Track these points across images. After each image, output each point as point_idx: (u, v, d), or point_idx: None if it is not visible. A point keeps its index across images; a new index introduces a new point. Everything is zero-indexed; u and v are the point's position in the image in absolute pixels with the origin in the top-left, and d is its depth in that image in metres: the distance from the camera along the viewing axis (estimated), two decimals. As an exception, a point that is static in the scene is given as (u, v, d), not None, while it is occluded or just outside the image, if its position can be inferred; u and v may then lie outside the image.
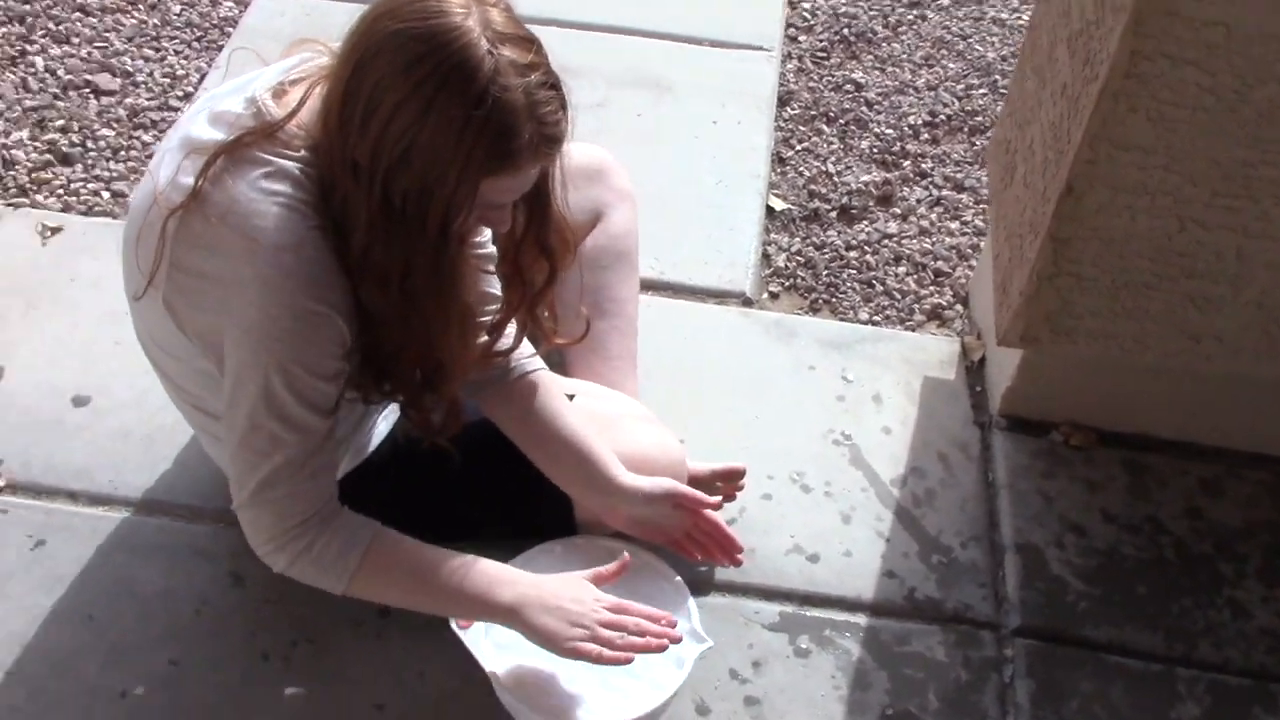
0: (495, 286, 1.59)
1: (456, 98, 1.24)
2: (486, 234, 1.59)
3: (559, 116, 1.32)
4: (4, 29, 2.72)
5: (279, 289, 1.33)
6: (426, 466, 1.64)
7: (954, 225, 2.46)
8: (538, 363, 1.69)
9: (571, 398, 1.72)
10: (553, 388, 1.68)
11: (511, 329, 1.60)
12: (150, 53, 2.72)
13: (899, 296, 2.32)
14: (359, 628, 1.70)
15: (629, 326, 1.96)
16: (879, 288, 2.34)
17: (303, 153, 1.36)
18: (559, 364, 1.95)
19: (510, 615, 1.48)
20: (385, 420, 1.73)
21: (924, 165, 2.60)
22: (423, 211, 1.29)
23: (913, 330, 2.26)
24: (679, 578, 1.67)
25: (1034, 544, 1.90)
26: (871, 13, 3.00)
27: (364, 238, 1.32)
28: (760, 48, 2.84)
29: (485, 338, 1.57)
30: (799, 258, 2.38)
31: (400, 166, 1.27)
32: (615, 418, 1.75)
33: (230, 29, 2.79)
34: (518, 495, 1.71)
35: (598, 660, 1.45)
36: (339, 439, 1.65)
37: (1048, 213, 1.71)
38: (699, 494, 1.69)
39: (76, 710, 1.63)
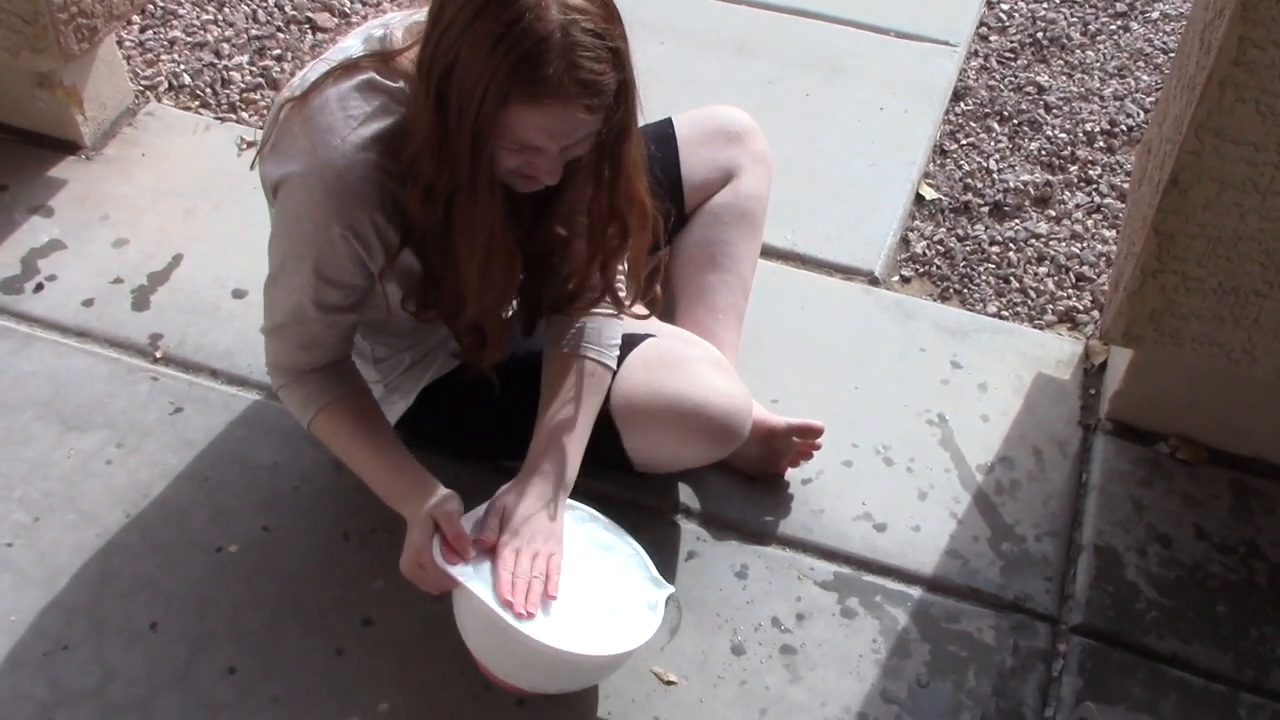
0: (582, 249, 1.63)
1: (494, 15, 1.31)
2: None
3: (599, 67, 1.35)
4: (248, -33, 2.99)
5: (311, 197, 1.47)
6: (485, 390, 1.75)
7: (1109, 234, 2.40)
8: (607, 356, 1.71)
9: (646, 337, 1.78)
10: (592, 382, 1.68)
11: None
12: (368, -2, 2.94)
13: (1033, 295, 2.28)
14: (435, 525, 1.82)
15: (739, 283, 2.00)
16: (1014, 284, 2.30)
17: (399, 83, 1.48)
18: (667, 311, 2.03)
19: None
20: None
21: (1091, 172, 2.54)
22: (460, 126, 1.38)
23: (1040, 330, 2.22)
24: (630, 540, 1.68)
25: (1113, 547, 1.85)
26: (1072, 19, 2.94)
27: (419, 148, 1.43)
28: (946, 43, 2.83)
29: (565, 291, 1.65)
30: (939, 246, 2.37)
31: (447, 76, 1.36)
32: (688, 360, 1.78)
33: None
34: None
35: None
36: (431, 346, 1.78)
37: (1155, 204, 1.67)
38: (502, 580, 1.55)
39: (176, 556, 1.81)
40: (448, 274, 1.55)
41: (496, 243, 1.50)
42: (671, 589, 1.63)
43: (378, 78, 1.49)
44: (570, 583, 1.58)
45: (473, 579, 1.54)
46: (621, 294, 1.71)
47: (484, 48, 1.32)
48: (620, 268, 1.69)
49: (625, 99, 1.42)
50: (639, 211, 1.59)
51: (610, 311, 1.72)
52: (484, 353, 1.65)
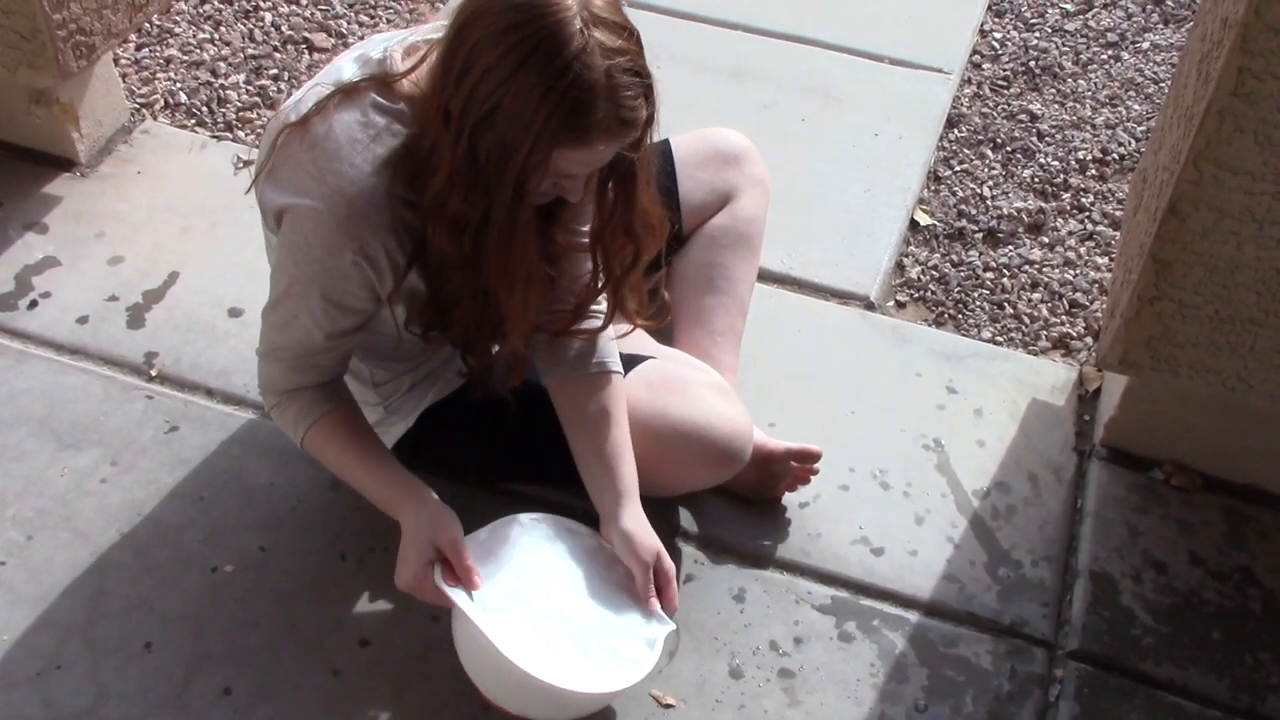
0: (584, 267, 1.65)
1: (541, 67, 1.32)
2: (585, 220, 1.64)
3: (637, 103, 1.38)
4: (243, -14, 2.99)
5: (322, 224, 1.47)
6: (496, 413, 1.74)
7: (1102, 261, 2.41)
8: (617, 364, 1.73)
9: (646, 359, 1.78)
10: (619, 394, 1.71)
11: (600, 309, 1.68)
12: (365, 18, 2.94)
13: (1027, 321, 2.29)
14: (432, 545, 1.81)
15: (737, 306, 2.01)
16: (1009, 310, 2.31)
17: (401, 105, 1.48)
18: (664, 333, 2.03)
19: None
20: None
21: (1084, 200, 2.56)
22: (501, 170, 1.38)
23: (1034, 355, 2.23)
24: None
25: (1109, 573, 1.86)
26: (1064, 49, 2.97)
27: (444, 184, 1.43)
28: (940, 70, 2.85)
29: (567, 312, 1.66)
30: (934, 272, 2.38)
31: (485, 123, 1.36)
32: (688, 383, 1.79)
33: (440, 3, 2.99)
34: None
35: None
36: (431, 369, 1.78)
37: (1152, 233, 1.69)
38: (663, 580, 1.64)
39: (171, 576, 1.80)
40: (464, 301, 1.55)
41: (534, 273, 1.51)
42: (673, 626, 1.63)
43: (380, 100, 1.48)
44: (575, 611, 1.58)
45: (471, 606, 1.53)
46: (632, 306, 1.71)
47: (532, 98, 1.33)
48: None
49: (650, 125, 1.45)
50: (647, 224, 1.60)
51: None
52: (507, 377, 1.66)
